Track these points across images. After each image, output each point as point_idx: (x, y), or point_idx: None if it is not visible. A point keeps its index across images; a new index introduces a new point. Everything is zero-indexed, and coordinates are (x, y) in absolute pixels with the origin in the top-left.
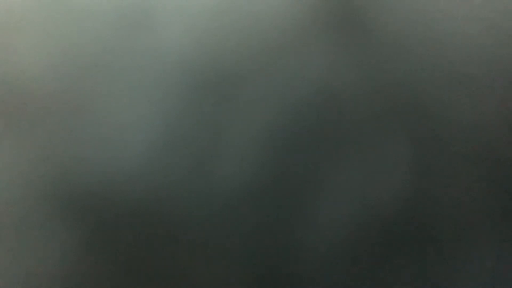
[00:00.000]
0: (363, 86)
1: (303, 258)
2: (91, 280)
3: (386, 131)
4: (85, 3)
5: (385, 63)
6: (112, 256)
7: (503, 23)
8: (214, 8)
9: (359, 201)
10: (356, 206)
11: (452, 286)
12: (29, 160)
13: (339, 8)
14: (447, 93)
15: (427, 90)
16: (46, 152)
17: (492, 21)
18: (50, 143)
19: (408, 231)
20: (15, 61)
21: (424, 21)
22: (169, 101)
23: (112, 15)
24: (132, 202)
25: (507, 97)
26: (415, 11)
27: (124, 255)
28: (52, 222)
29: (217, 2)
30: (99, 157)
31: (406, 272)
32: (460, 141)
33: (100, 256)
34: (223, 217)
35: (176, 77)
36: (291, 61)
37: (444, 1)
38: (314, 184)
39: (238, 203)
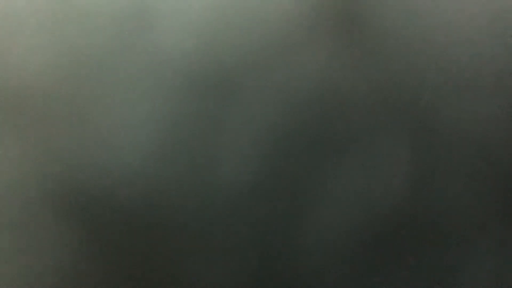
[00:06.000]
0: (364, 86)
1: (303, 258)
2: (92, 280)
3: (386, 131)
4: (86, 3)
5: (385, 63)
6: (112, 256)
7: (503, 23)
8: (214, 8)
9: (359, 201)
10: (356, 206)
11: (452, 286)
12: (29, 160)
13: (339, 8)
14: (447, 93)
15: (427, 90)
16: (46, 152)
17: (492, 21)
18: (50, 143)
19: (408, 231)
20: (15, 62)
21: (424, 21)
22: (169, 101)
23: (112, 15)
24: (133, 202)
25: (506, 97)
26: (415, 11)
27: (125, 255)
28: (52, 222)
29: (218, 2)
30: (100, 157)
31: (407, 272)
32: (460, 141)
33: (100, 256)
34: (223, 217)
35: (176, 77)
36: (291, 61)
37: (443, 2)
38: (314, 184)
39: (238, 203)
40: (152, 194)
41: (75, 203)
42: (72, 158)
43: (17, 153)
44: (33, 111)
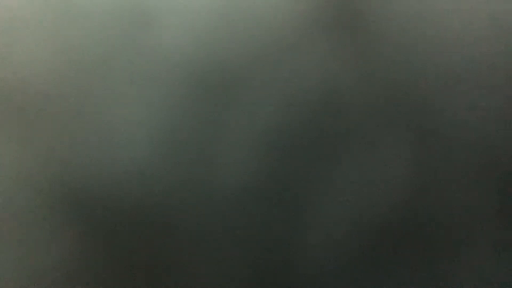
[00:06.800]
0: (364, 86)
1: (303, 258)
2: (91, 279)
3: (386, 131)
4: (86, 3)
5: (385, 63)
6: (112, 256)
7: (503, 23)
8: (214, 8)
9: (359, 201)
10: (357, 206)
11: (452, 286)
12: (30, 160)
13: (339, 8)
14: (446, 92)
15: (427, 90)
16: (46, 152)
17: (492, 20)
18: (50, 143)
19: (408, 231)
20: (15, 62)
21: (423, 21)
22: (169, 102)
23: (113, 15)
24: (133, 202)
25: (507, 97)
26: (414, 11)
27: (125, 255)
28: (52, 222)
29: (218, 2)
30: (100, 157)
31: (406, 272)
32: (460, 141)
33: (100, 256)
34: (223, 216)
35: (176, 77)
36: (291, 61)
37: (443, 1)
38: (315, 184)
39: (238, 202)
40: (152, 194)
41: (75, 203)
42: (72, 157)
43: (17, 153)
44: (33, 110)
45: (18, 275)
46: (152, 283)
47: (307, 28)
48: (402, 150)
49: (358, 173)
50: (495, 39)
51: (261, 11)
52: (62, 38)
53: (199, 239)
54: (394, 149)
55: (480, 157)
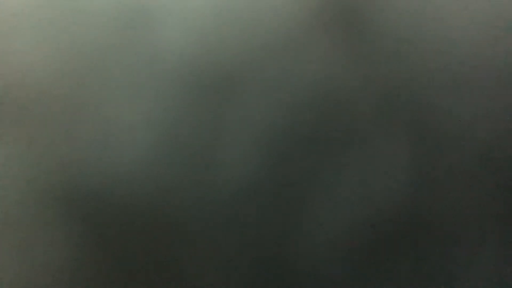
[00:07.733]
0: (363, 86)
1: (303, 258)
2: (91, 279)
3: (386, 131)
4: (85, 3)
5: (385, 62)
6: (112, 255)
7: (503, 23)
8: (214, 8)
9: (358, 201)
10: (357, 205)
11: (452, 286)
12: (29, 159)
13: (339, 8)
14: (446, 92)
15: (426, 90)
16: (46, 152)
17: (492, 21)
18: (50, 143)
19: (408, 231)
20: (15, 62)
21: (423, 21)
22: (169, 102)
23: (112, 15)
24: (133, 202)
25: (507, 97)
26: (414, 11)
27: (125, 255)
28: (52, 222)
29: (218, 2)
30: (100, 158)
31: (406, 272)
32: (460, 141)
33: (100, 256)
34: (223, 217)
35: (176, 77)
36: (291, 61)
37: (443, 1)
38: (314, 184)
39: (238, 202)
40: (152, 194)
41: (75, 202)
42: (72, 157)
43: (16, 152)
44: (33, 110)
45: (18, 275)
46: (152, 283)
47: (307, 28)
48: (402, 150)
49: (358, 173)
50: (495, 38)
51: (261, 11)
52: (62, 37)
53: (199, 238)
54: (394, 148)
55: (480, 157)
